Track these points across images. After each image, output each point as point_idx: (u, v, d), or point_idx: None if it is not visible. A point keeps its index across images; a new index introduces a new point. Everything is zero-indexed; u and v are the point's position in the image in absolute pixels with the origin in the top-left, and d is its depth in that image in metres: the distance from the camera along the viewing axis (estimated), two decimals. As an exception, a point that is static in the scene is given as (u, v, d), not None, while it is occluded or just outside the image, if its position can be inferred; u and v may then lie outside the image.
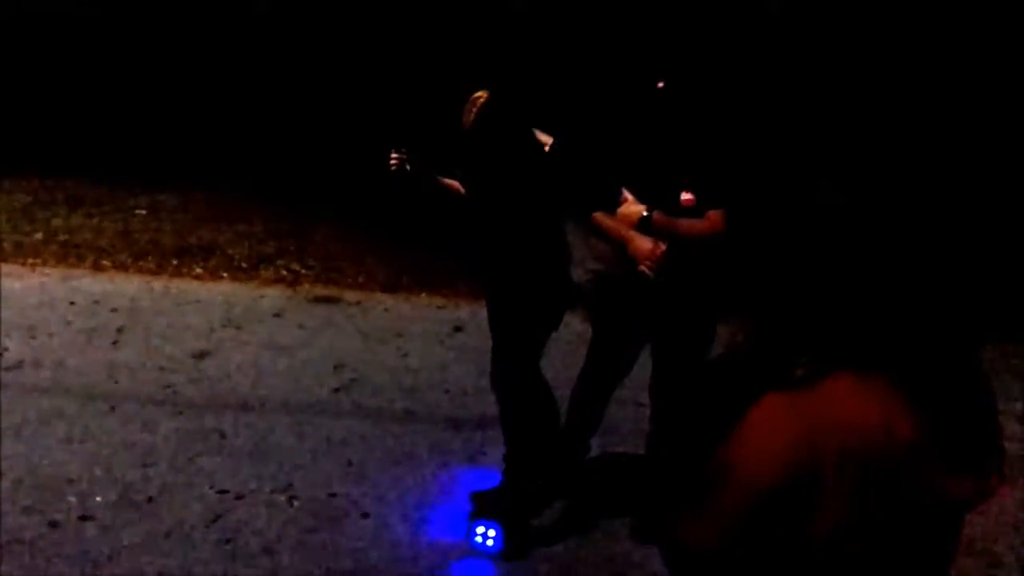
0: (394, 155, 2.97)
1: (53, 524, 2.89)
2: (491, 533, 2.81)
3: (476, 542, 2.82)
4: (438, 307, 5.53)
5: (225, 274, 5.70)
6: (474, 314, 5.43)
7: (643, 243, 2.68)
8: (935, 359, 1.15)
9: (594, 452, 3.29)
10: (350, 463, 3.30)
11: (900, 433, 1.07)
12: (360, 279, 5.85)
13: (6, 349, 4.18)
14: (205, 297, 5.17)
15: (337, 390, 3.98)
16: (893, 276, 1.22)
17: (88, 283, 5.28)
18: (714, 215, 2.69)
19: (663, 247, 2.66)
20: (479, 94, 2.88)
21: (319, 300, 5.41)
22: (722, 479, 1.10)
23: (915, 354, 1.14)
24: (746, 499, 1.08)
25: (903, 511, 1.09)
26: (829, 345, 1.17)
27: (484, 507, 2.94)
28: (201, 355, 4.25)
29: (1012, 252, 5.58)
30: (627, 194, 2.72)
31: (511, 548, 2.82)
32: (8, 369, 3.96)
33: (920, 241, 1.34)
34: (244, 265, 5.83)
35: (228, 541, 2.84)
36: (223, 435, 3.45)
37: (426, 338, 4.90)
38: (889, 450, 1.07)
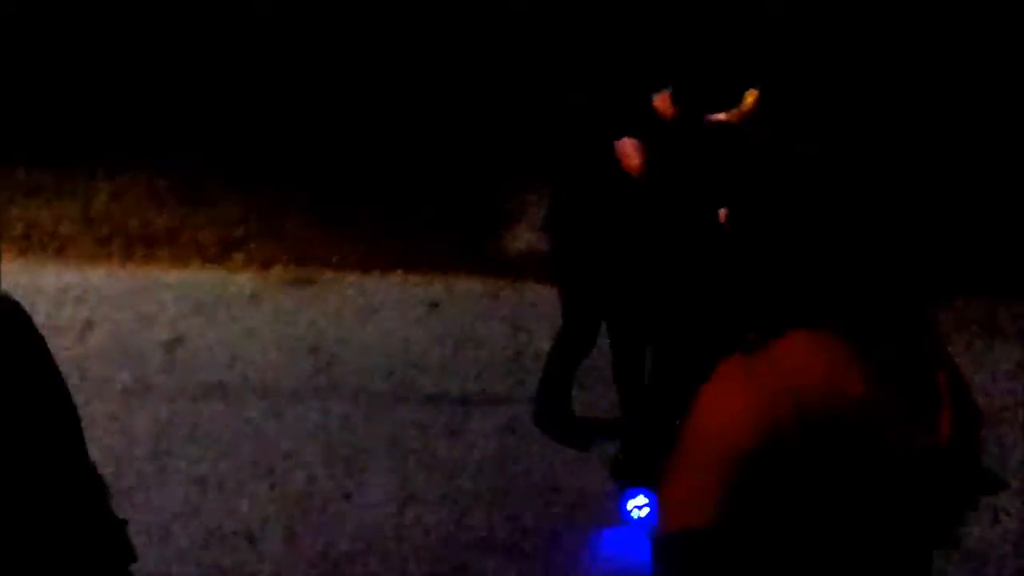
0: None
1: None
2: (645, 502, 2.76)
3: (631, 515, 2.78)
4: (413, 284, 5.46)
5: (194, 260, 5.56)
6: (449, 290, 5.38)
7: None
8: (882, 314, 1.14)
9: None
10: (330, 447, 3.26)
11: (852, 389, 1.07)
12: (334, 260, 5.75)
13: (-31, 346, 4.05)
14: (175, 284, 5.04)
15: (315, 373, 3.92)
16: (846, 230, 1.20)
17: (51, 274, 5.13)
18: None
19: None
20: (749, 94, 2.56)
21: (293, 283, 5.31)
22: (691, 455, 1.08)
23: (863, 309, 1.12)
24: (721, 469, 1.06)
25: (869, 466, 1.09)
26: (783, 300, 1.15)
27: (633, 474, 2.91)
28: (173, 344, 4.15)
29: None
30: None
31: None
32: (-28, 366, 3.84)
33: (875, 199, 1.32)
34: (214, 250, 5.69)
35: (209, 532, 2.79)
36: (199, 424, 3.38)
37: (403, 316, 4.84)
38: (844, 406, 1.07)
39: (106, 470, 3.07)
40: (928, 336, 1.22)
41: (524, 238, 6.38)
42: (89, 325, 4.39)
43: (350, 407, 3.58)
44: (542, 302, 5.28)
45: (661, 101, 2.78)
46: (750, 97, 2.40)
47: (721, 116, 2.48)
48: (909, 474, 1.13)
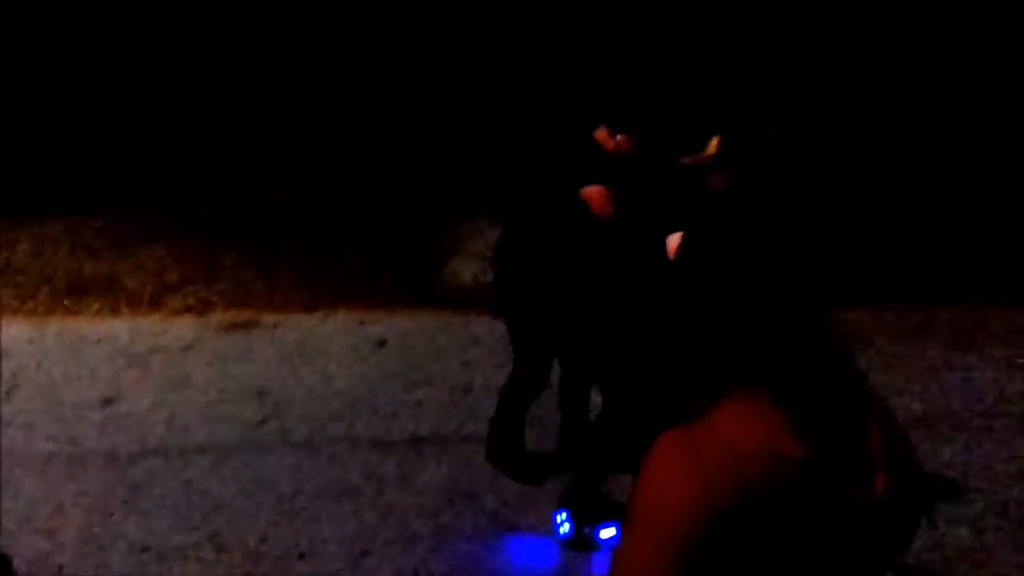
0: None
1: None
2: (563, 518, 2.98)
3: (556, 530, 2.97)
4: (359, 322, 5.37)
5: (126, 309, 5.34)
6: (396, 326, 5.31)
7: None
8: (807, 368, 1.18)
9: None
10: (280, 501, 3.15)
11: (790, 455, 1.09)
12: (275, 300, 5.62)
13: None
14: (106, 336, 4.83)
15: (261, 422, 3.79)
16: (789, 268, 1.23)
17: (-29, 331, 4.86)
18: None
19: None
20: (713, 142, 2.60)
21: (233, 327, 5.15)
22: (638, 532, 1.10)
23: (788, 363, 1.16)
24: (667, 549, 1.07)
25: (809, 528, 1.12)
26: (711, 359, 1.18)
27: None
28: (107, 401, 3.96)
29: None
30: None
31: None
32: None
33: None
34: (146, 297, 5.49)
35: (153, 604, 2.66)
36: (138, 487, 3.21)
37: (349, 356, 4.75)
38: (784, 474, 1.09)
39: (38, 546, 2.93)
40: (858, 385, 1.26)
41: (468, 269, 6.36)
42: (14, 385, 4.16)
43: (299, 457, 3.48)
44: (489, 335, 5.26)
45: (601, 135, 2.86)
46: (713, 143, 2.48)
47: (686, 160, 2.55)
48: (848, 531, 1.16)
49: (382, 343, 4.96)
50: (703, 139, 2.42)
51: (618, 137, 2.87)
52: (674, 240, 2.55)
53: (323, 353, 4.74)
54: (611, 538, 2.89)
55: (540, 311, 2.96)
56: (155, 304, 5.44)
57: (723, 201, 1.49)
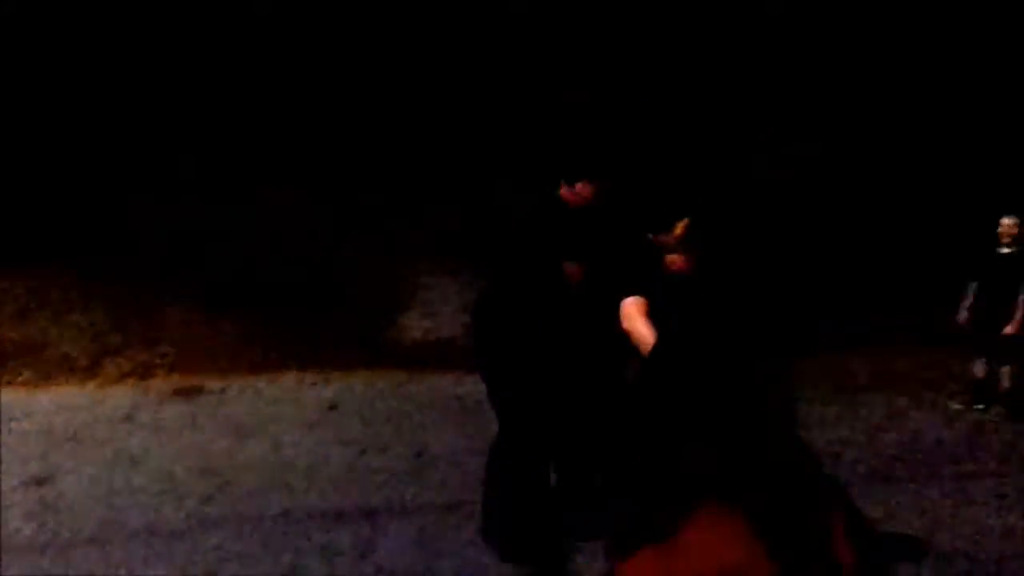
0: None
1: None
2: None
3: None
4: (310, 385, 5.25)
5: (60, 376, 5.11)
6: (346, 389, 5.21)
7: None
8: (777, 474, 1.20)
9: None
10: (229, 588, 3.00)
11: (758, 570, 1.11)
12: (222, 363, 5.46)
13: None
14: (38, 408, 4.60)
15: (205, 501, 3.62)
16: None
17: None
18: None
19: None
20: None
21: (177, 394, 4.97)
22: None
23: (758, 474, 1.18)
24: None
25: None
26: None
27: None
28: (39, 482, 3.73)
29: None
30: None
31: None
32: None
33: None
34: (83, 363, 5.27)
35: None
36: (72, 579, 3.01)
37: (300, 422, 4.62)
38: None
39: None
40: (820, 476, 1.29)
41: (419, 326, 6.31)
42: (-65, 466, 3.89)
43: (246, 538, 3.31)
44: (442, 395, 5.21)
45: (564, 191, 2.95)
46: (680, 226, 2.56)
47: (652, 237, 2.63)
48: None
49: (333, 407, 4.84)
50: (672, 220, 2.48)
51: (578, 186, 2.94)
52: (628, 304, 2.59)
53: (272, 419, 4.61)
54: None
55: (515, 369, 2.96)
56: (92, 370, 5.22)
57: (693, 300, 1.53)
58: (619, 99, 6.62)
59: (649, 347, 2.37)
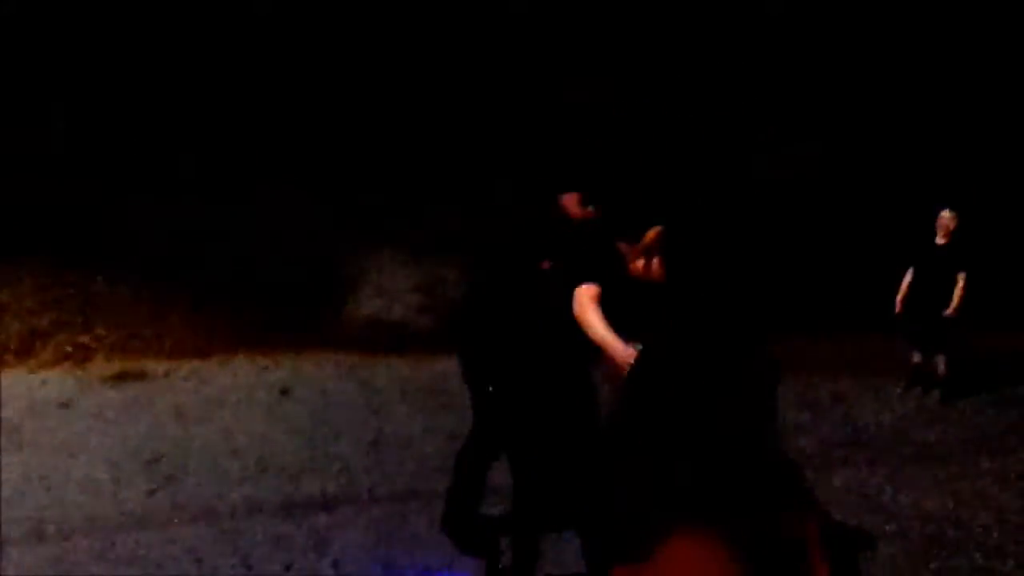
0: None
1: None
2: None
3: None
4: (260, 368, 5.10)
5: (-9, 360, 4.84)
6: (298, 371, 5.08)
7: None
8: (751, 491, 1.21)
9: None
10: (178, 585, 2.90)
11: None
12: (166, 345, 5.25)
13: None
14: (-33, 394, 4.35)
15: (152, 492, 3.49)
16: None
17: None
18: None
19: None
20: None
21: (117, 378, 4.76)
22: None
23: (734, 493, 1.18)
24: None
25: None
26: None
27: None
28: (-30, 474, 3.54)
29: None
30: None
31: None
32: None
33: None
34: (13, 346, 4.99)
35: None
36: (9, 578, 2.87)
37: (250, 408, 4.48)
38: None
39: None
40: (794, 495, 1.30)
41: (369, 304, 6.19)
42: None
43: (198, 530, 3.21)
44: (395, 378, 5.13)
45: (569, 200, 2.94)
46: (652, 233, 2.53)
47: (622, 244, 2.62)
48: None
49: (285, 391, 4.72)
50: (644, 227, 2.46)
51: (589, 207, 2.94)
52: (580, 292, 2.57)
53: (220, 405, 4.46)
54: None
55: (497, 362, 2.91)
56: (24, 354, 4.96)
57: (667, 311, 1.51)
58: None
59: (598, 335, 2.37)
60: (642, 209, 2.66)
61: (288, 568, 3.02)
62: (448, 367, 5.25)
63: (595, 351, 2.46)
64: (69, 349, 4.98)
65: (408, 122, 6.41)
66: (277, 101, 6.34)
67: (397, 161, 6.27)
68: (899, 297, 5.23)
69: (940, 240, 5.13)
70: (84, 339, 5.09)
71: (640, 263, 2.42)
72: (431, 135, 6.42)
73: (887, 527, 3.43)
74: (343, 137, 6.45)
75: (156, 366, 4.92)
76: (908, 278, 5.22)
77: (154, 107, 6.16)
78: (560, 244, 2.82)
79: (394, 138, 6.37)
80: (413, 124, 6.41)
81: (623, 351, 2.26)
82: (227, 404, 4.47)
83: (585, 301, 2.48)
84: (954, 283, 5.00)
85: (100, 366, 4.82)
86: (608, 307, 2.46)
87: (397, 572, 2.99)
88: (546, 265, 2.86)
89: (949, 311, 4.99)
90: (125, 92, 6.20)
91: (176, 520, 3.28)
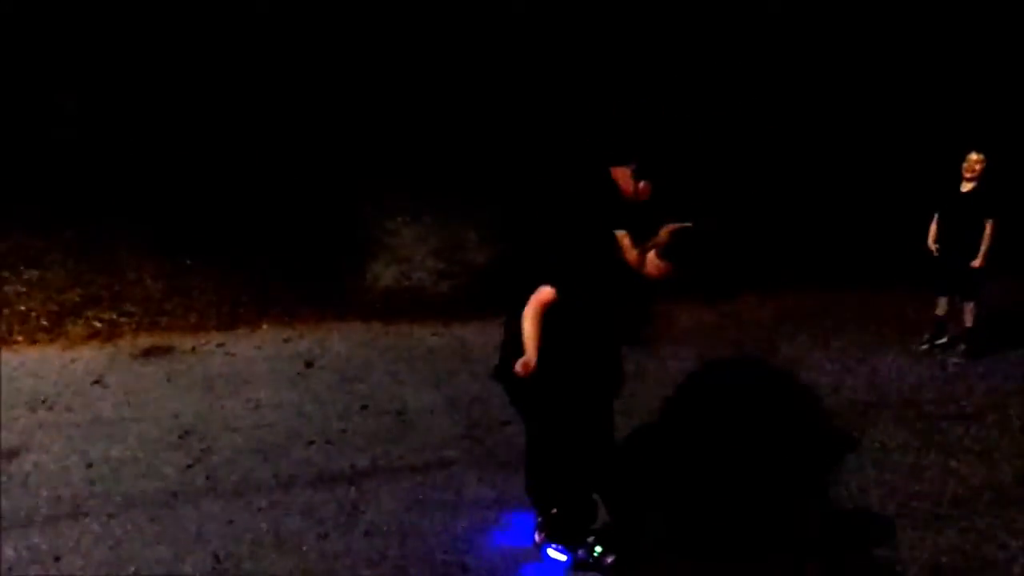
0: None
1: None
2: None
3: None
4: (284, 340, 5.16)
5: (21, 337, 4.93)
6: (321, 343, 5.13)
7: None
8: None
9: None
10: (217, 558, 2.98)
11: None
12: (191, 319, 5.32)
13: None
14: (2, 373, 4.45)
15: (188, 467, 3.58)
16: None
17: None
18: None
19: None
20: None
21: (147, 354, 4.84)
22: None
23: None
24: None
25: None
26: None
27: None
28: (10, 454, 3.64)
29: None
30: None
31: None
32: None
33: None
34: (45, 323, 5.08)
35: None
36: (56, 555, 2.97)
37: (276, 380, 4.55)
38: None
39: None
40: None
41: (390, 272, 6.21)
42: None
43: (233, 505, 3.30)
44: (418, 346, 5.17)
45: (622, 174, 3.03)
46: (664, 233, 2.61)
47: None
48: None
49: (309, 364, 4.78)
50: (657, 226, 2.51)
51: (641, 184, 3.02)
52: (534, 298, 2.61)
53: (247, 379, 4.53)
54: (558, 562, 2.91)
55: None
56: (55, 330, 5.05)
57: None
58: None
59: (528, 334, 2.55)
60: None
61: (323, 539, 3.11)
62: (469, 333, 5.30)
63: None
64: (98, 325, 5.06)
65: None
66: (296, 67, 6.27)
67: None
68: (929, 241, 5.09)
69: (966, 186, 4.97)
70: (112, 315, 5.17)
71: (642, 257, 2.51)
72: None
73: (915, 487, 3.46)
74: (364, 107, 6.38)
75: (183, 340, 4.99)
76: (934, 225, 5.09)
77: (173, 78, 6.12)
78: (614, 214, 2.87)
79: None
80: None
81: (530, 360, 2.52)
82: (253, 377, 4.55)
83: (539, 301, 2.60)
84: (982, 230, 4.87)
85: (129, 342, 4.91)
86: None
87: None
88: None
89: (976, 262, 4.88)
90: (145, 64, 6.16)
91: (212, 495, 3.38)
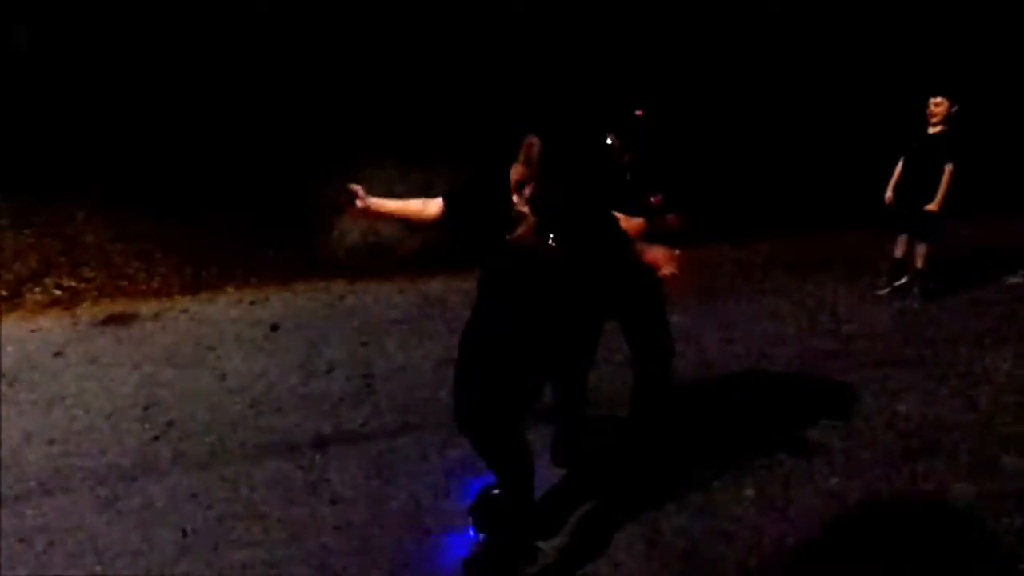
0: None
1: None
2: None
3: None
4: (249, 303, 5.12)
5: (-20, 308, 4.85)
6: (287, 305, 5.10)
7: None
8: None
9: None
10: (184, 533, 3.02)
11: None
12: (154, 283, 5.25)
13: None
14: (-40, 347, 4.39)
15: (152, 440, 3.59)
16: None
17: None
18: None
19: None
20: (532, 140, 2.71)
21: (108, 321, 4.79)
22: None
23: None
24: None
25: None
26: None
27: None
28: (-27, 431, 3.63)
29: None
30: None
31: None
32: None
33: None
34: (3, 292, 4.99)
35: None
36: (19, 535, 2.99)
37: (242, 345, 4.54)
38: None
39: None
40: None
41: (355, 230, 6.13)
42: None
43: (199, 478, 3.32)
44: (384, 303, 5.16)
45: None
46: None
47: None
48: None
49: (275, 327, 4.76)
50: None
51: (627, 157, 3.14)
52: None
53: (211, 345, 4.51)
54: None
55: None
56: (13, 299, 4.96)
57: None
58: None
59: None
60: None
61: (288, 506, 3.14)
62: (434, 288, 5.28)
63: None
64: (58, 293, 4.97)
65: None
66: (261, 27, 6.02)
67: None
68: (890, 184, 5.15)
69: (931, 129, 4.97)
70: (72, 283, 5.07)
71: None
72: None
73: (868, 434, 3.55)
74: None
75: (146, 306, 4.93)
76: (899, 167, 5.14)
77: (134, 38, 5.85)
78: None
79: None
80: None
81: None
82: (218, 342, 4.52)
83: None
84: (941, 174, 4.90)
85: (89, 310, 4.84)
86: None
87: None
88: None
89: (932, 205, 4.92)
90: (104, 22, 5.87)
91: (180, 466, 3.39)
